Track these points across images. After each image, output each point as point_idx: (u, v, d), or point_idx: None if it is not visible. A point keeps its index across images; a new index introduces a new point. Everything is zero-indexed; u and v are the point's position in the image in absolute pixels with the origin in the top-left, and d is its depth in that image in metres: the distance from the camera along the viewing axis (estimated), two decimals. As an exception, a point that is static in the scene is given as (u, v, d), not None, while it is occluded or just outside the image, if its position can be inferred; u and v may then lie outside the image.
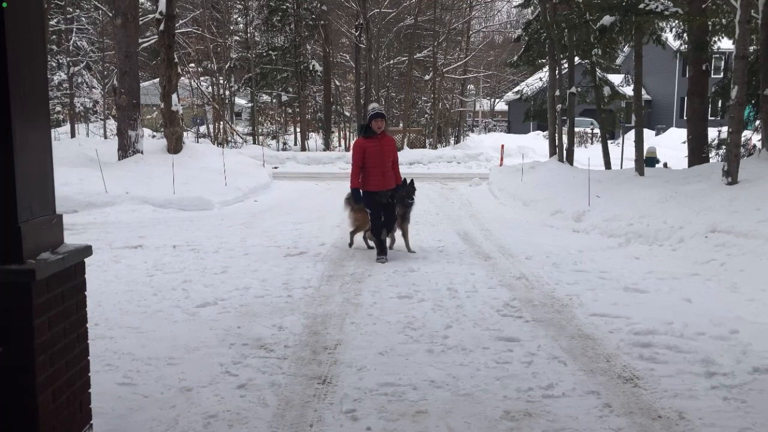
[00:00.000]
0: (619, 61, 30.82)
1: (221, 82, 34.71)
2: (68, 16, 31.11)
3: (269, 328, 5.01)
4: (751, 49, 12.64)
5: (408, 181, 8.24)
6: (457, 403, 3.69)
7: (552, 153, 18.61)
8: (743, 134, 12.50)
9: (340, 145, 34.65)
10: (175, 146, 16.52)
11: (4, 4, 2.50)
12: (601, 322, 5.17)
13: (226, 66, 33.22)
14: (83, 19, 32.14)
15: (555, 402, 3.70)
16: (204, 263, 7.42)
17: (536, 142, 32.35)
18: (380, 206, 7.80)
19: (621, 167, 18.51)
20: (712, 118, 17.24)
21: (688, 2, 13.83)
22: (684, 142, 15.83)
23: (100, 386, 3.63)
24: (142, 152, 15.78)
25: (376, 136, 7.71)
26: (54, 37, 30.87)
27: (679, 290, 6.15)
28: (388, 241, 8.08)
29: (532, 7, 20.72)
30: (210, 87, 36.02)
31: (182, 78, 26.31)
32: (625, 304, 5.68)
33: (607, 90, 19.41)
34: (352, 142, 34.66)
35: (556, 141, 18.13)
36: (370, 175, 7.69)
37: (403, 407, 3.63)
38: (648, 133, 29.16)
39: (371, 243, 8.23)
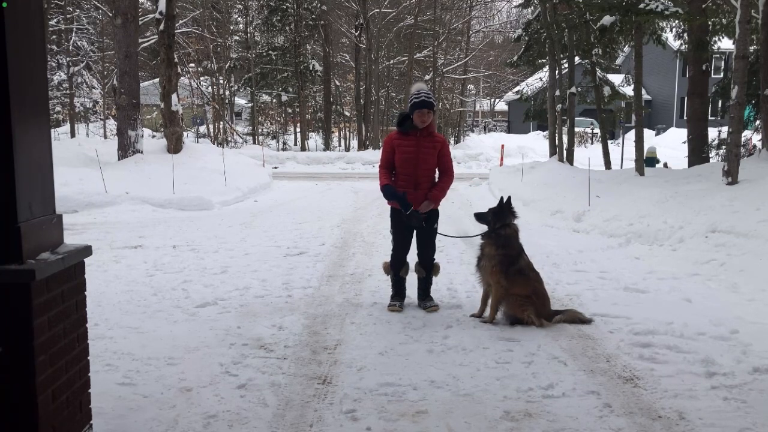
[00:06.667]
0: (619, 61, 30.85)
1: (221, 82, 34.74)
2: (68, 16, 31.12)
3: (269, 328, 5.00)
4: (751, 49, 12.66)
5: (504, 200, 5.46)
6: (457, 403, 3.68)
7: (552, 153, 18.62)
8: (743, 134, 12.51)
9: (340, 145, 34.67)
10: (175, 146, 16.53)
11: (4, 4, 2.50)
12: (601, 322, 5.17)
13: (226, 66, 33.25)
14: (83, 19, 32.15)
15: (555, 402, 3.70)
16: (204, 263, 7.42)
17: (536, 142, 32.38)
18: (408, 230, 5.66)
19: (621, 167, 18.52)
20: (712, 118, 17.27)
21: (688, 2, 13.84)
22: (684, 142, 15.85)
23: (100, 386, 3.63)
24: (142, 152, 15.78)
25: (415, 131, 5.51)
26: (54, 37, 30.87)
27: (679, 290, 6.14)
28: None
29: (532, 7, 20.73)
30: (210, 87, 36.04)
31: (182, 78, 26.33)
32: (625, 304, 5.68)
33: (607, 90, 19.43)
34: (353, 143, 34.69)
35: (556, 141, 18.14)
36: (397, 186, 5.53)
37: (403, 407, 3.63)
38: (648, 133, 29.18)
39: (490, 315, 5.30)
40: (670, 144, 29.55)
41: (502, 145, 26.68)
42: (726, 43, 17.54)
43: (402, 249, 5.68)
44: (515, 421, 3.46)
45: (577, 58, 18.36)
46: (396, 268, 5.73)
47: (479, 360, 4.35)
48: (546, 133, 24.56)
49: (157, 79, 21.58)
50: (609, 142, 19.27)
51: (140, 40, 21.11)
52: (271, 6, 31.22)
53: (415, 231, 5.69)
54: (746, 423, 3.43)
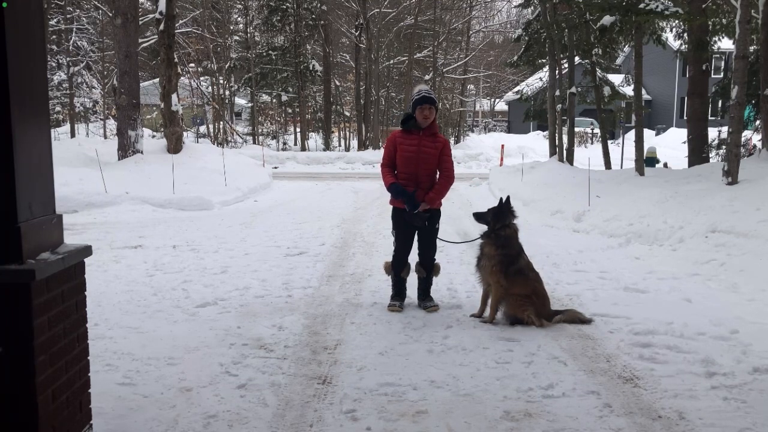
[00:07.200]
0: (619, 61, 30.87)
1: (221, 82, 34.73)
2: (68, 16, 31.11)
3: (269, 328, 5.00)
4: (751, 49, 12.65)
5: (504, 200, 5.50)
6: (457, 403, 3.68)
7: (552, 153, 18.62)
8: (743, 134, 12.51)
9: (340, 145, 34.67)
10: (175, 146, 16.52)
11: (4, 4, 2.50)
12: (601, 322, 5.17)
13: (226, 66, 33.24)
14: (83, 19, 32.13)
15: (555, 402, 3.70)
16: (204, 263, 7.42)
17: (536, 142, 32.39)
18: (410, 230, 5.65)
19: (621, 167, 18.51)
20: (712, 118, 17.27)
21: (688, 2, 13.85)
22: (684, 142, 15.86)
23: (100, 386, 3.63)
24: (142, 152, 15.77)
25: (417, 131, 5.51)
26: (54, 37, 30.86)
27: (679, 290, 6.14)
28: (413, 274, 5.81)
29: (532, 7, 20.74)
30: (210, 87, 36.03)
31: (182, 78, 26.33)
32: (625, 304, 5.68)
33: (607, 90, 19.44)
34: (353, 143, 34.60)
35: (556, 141, 18.14)
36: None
37: (403, 407, 3.63)
38: (648, 133, 29.18)
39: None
40: (670, 144, 29.55)
41: (502, 145, 26.68)
42: (726, 43, 17.54)
43: (404, 250, 5.68)
44: (515, 421, 3.46)
45: (577, 58, 18.36)
46: (397, 268, 5.72)
47: (479, 360, 4.35)
48: (546, 133, 24.56)
49: (157, 79, 21.57)
50: (609, 142, 19.28)
51: (140, 40, 21.11)
52: (271, 6, 31.20)
53: (416, 231, 5.67)
54: (746, 423, 3.43)
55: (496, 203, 5.52)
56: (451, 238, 9.22)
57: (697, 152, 14.80)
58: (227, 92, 35.42)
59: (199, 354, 4.44)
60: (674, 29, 17.65)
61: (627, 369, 4.20)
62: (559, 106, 18.16)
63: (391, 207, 5.72)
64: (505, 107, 52.11)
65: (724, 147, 13.32)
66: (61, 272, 2.79)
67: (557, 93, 18.01)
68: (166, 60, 16.28)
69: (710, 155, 15.30)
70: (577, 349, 4.59)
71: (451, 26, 34.99)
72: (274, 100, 34.41)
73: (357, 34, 31.86)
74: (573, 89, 17.29)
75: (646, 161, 14.99)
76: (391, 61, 35.18)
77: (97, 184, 12.61)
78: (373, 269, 7.10)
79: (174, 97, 16.52)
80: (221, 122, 33.63)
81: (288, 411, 3.58)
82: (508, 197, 5.56)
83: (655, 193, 10.11)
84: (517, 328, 5.04)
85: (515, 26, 39.10)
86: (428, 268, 5.72)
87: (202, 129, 34.37)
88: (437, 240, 5.75)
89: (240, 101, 40.40)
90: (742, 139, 12.15)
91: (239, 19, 36.29)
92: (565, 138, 18.17)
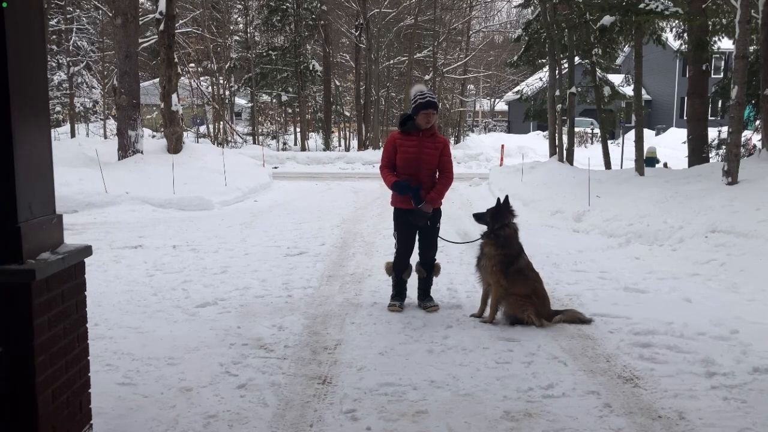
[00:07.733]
0: (619, 61, 30.86)
1: (221, 82, 34.73)
2: (68, 16, 31.12)
3: (269, 328, 5.00)
4: (751, 49, 12.66)
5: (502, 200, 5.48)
6: (457, 403, 3.68)
7: (552, 153, 18.62)
8: (743, 134, 12.51)
9: (340, 145, 34.67)
10: (175, 146, 16.52)
11: (4, 4, 2.50)
12: (601, 322, 5.17)
13: (226, 66, 33.24)
14: (83, 19, 32.14)
15: (555, 402, 3.70)
16: (204, 263, 7.42)
17: (536, 142, 32.39)
18: (412, 231, 5.66)
19: (621, 167, 18.52)
20: (712, 118, 17.27)
21: (688, 2, 13.85)
22: (684, 142, 15.86)
23: (100, 386, 3.63)
24: (142, 152, 15.77)
25: (417, 132, 5.49)
26: (54, 37, 30.86)
27: (679, 290, 6.14)
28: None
29: (532, 7, 20.75)
30: (210, 87, 36.02)
31: (182, 78, 26.31)
32: (625, 304, 5.68)
33: (607, 90, 19.45)
34: (353, 143, 34.55)
35: (556, 141, 18.14)
36: None
37: (403, 407, 3.63)
38: (648, 133, 29.17)
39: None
40: (670, 144, 29.55)
41: (502, 145, 26.68)
42: (726, 43, 17.54)
43: (406, 252, 5.69)
44: (515, 421, 3.46)
45: (577, 58, 18.36)
46: (399, 270, 5.72)
47: (479, 360, 4.35)
48: (546, 133, 24.56)
49: (157, 79, 21.57)
50: (609, 142, 19.28)
51: (140, 40, 21.09)
52: (271, 6, 31.19)
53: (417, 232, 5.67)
54: (746, 423, 3.43)
55: (495, 203, 5.53)
56: (451, 238, 9.18)
57: (697, 152, 14.80)
58: (227, 92, 35.42)
59: (199, 354, 4.44)
60: (674, 29, 17.66)
61: (627, 369, 4.20)
62: (559, 106, 18.16)
63: (392, 207, 5.71)
64: (505, 107, 52.11)
65: (724, 147, 13.32)
66: (61, 272, 2.79)
67: (557, 93, 18.02)
68: (166, 60, 16.27)
69: (710, 155, 15.31)
70: (577, 349, 4.59)
71: (451, 26, 35.00)
72: (274, 100, 34.40)
73: (357, 34, 31.86)
74: (573, 89, 17.29)
75: (646, 161, 14.99)
76: (391, 61, 35.18)
77: (97, 184, 12.61)
78: (373, 269, 7.09)
79: (174, 97, 16.52)
80: (221, 122, 33.63)
81: (288, 411, 3.58)
82: (506, 197, 5.57)
83: (655, 193, 10.11)
84: (517, 328, 5.04)
85: (515, 26, 39.14)
86: (429, 268, 5.74)
87: (202, 129, 34.36)
88: (438, 240, 5.75)
89: (240, 101, 40.40)
90: (742, 139, 12.15)
91: (239, 19, 36.30)
92: (565, 138, 18.17)
